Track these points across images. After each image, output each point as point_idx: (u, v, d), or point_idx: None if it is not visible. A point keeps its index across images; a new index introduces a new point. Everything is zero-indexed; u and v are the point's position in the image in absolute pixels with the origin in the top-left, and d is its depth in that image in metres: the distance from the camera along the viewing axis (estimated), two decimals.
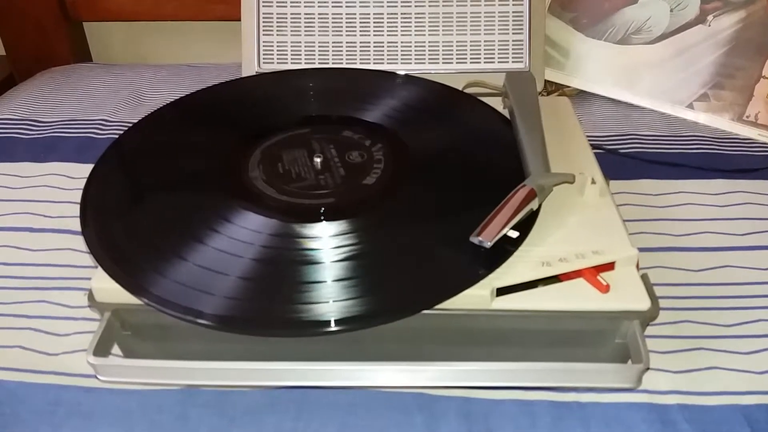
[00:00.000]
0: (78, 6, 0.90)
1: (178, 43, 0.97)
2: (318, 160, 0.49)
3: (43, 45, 0.92)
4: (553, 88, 0.77)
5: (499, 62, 0.69)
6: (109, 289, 0.40)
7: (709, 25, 0.72)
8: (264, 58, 0.70)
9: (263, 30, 0.70)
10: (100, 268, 0.41)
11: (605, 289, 0.40)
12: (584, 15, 0.75)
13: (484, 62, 0.69)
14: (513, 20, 0.69)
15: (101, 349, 0.39)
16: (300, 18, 0.70)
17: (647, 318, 0.40)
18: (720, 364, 0.45)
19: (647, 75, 0.74)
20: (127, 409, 0.42)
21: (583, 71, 0.76)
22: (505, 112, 0.55)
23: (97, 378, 0.40)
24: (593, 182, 0.46)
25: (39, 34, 0.91)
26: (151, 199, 0.47)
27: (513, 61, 0.69)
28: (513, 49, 0.69)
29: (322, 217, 0.44)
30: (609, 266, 0.42)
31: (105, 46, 0.98)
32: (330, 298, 0.39)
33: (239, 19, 0.70)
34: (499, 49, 0.69)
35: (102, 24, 0.96)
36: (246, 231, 0.43)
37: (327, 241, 0.43)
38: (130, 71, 0.85)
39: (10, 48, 0.93)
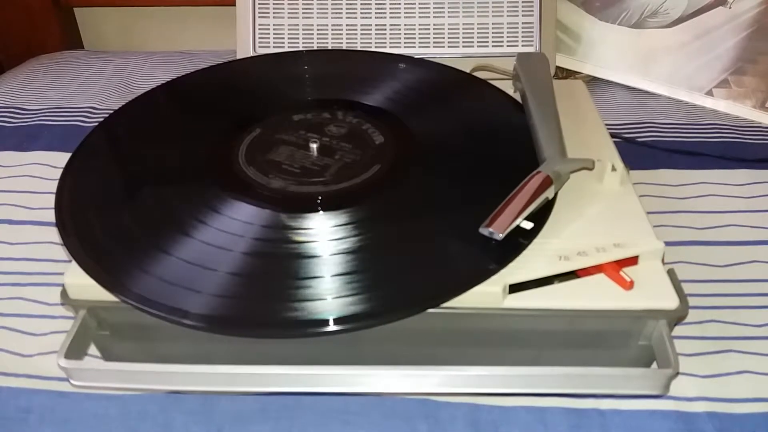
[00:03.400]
0: None
1: (172, 30, 0.93)
2: (314, 146, 0.46)
3: (32, 32, 0.89)
4: (564, 75, 0.73)
5: (508, 46, 0.65)
6: (84, 286, 0.37)
7: (730, 7, 0.68)
8: (260, 42, 0.66)
9: (259, 12, 0.66)
10: (74, 262, 0.37)
11: (629, 285, 0.37)
12: None
13: (492, 46, 0.65)
14: (523, 1, 0.65)
15: (75, 350, 0.36)
16: None
17: (675, 318, 0.37)
18: (751, 367, 0.42)
19: (664, 60, 0.71)
20: (106, 416, 0.39)
21: (596, 57, 0.72)
22: (517, 96, 0.52)
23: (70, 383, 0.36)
24: (613, 169, 0.43)
25: (28, 21, 0.88)
26: (133, 188, 0.43)
27: (523, 45, 0.65)
28: (523, 31, 0.65)
29: (319, 207, 0.41)
30: (632, 260, 0.39)
31: (97, 34, 0.95)
32: (328, 295, 0.36)
33: (234, 4, 0.67)
34: (508, 32, 0.65)
35: (94, 10, 0.93)
36: (236, 222, 0.40)
37: (324, 233, 0.39)
38: (121, 58, 0.82)
39: None
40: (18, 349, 0.43)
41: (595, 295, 0.37)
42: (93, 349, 0.40)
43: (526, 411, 0.40)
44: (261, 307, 0.36)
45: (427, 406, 0.40)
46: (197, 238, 0.39)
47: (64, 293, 0.37)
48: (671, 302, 0.36)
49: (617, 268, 0.38)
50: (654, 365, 0.39)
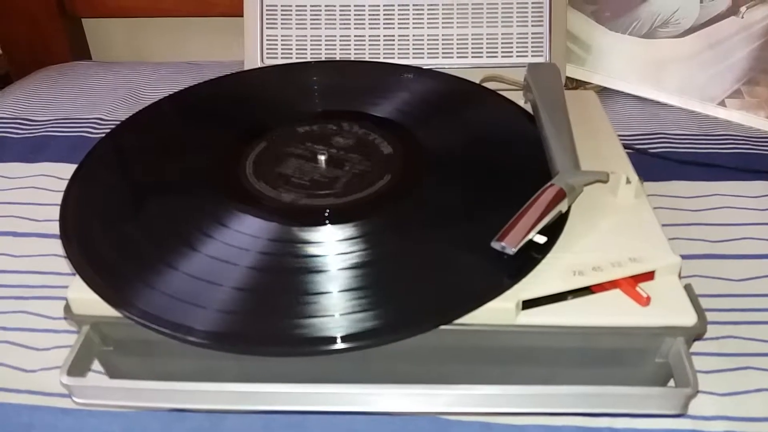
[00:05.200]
0: (75, 2, 0.86)
1: (180, 41, 0.93)
2: (323, 158, 0.45)
3: (40, 43, 0.89)
4: (573, 85, 0.73)
5: (517, 56, 0.64)
6: (88, 300, 0.36)
7: (742, 17, 0.67)
8: (267, 53, 0.66)
9: (267, 23, 0.66)
10: (77, 276, 0.36)
11: (645, 301, 0.36)
12: (607, 7, 0.71)
13: (502, 56, 0.64)
14: (532, 11, 0.65)
15: (78, 367, 0.35)
16: (306, 10, 0.66)
17: (693, 335, 0.36)
18: None
19: (675, 71, 0.70)
20: None
21: (606, 67, 0.71)
22: (528, 107, 0.51)
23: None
24: (628, 182, 0.42)
25: (35, 32, 0.88)
26: (138, 200, 0.43)
27: (532, 55, 0.64)
28: (532, 42, 0.64)
29: (327, 221, 0.40)
30: (648, 276, 0.38)
31: (104, 44, 0.95)
32: (336, 311, 0.35)
33: (242, 15, 0.66)
34: (517, 43, 0.64)
35: (101, 21, 0.93)
36: (242, 236, 0.39)
37: (332, 247, 0.38)
38: (129, 69, 0.82)
39: (6, 46, 0.90)
40: (21, 365, 0.43)
41: (610, 311, 0.36)
42: (97, 365, 0.40)
43: (538, 429, 0.38)
44: (267, 324, 0.35)
45: (438, 425, 0.39)
46: (203, 252, 0.38)
47: (67, 308, 0.37)
48: (689, 319, 0.35)
49: (633, 283, 0.37)
50: (671, 383, 0.38)
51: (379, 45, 0.65)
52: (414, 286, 0.36)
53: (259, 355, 0.35)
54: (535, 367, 0.38)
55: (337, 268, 0.37)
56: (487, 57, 0.65)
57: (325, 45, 0.65)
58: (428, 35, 0.65)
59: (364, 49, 0.65)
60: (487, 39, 0.65)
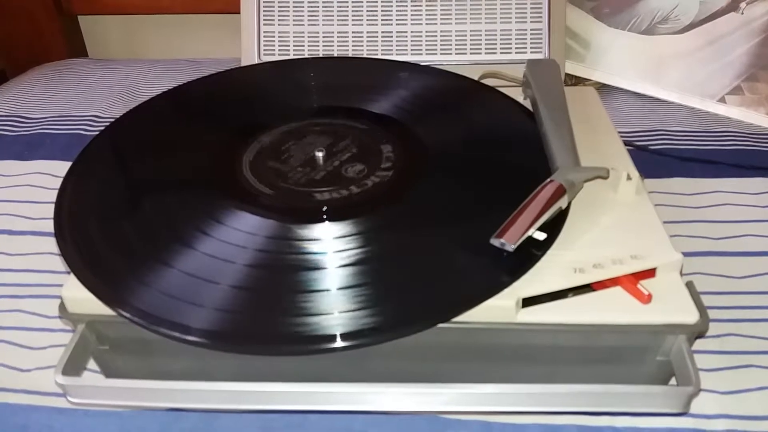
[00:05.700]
0: None
1: (177, 38, 0.93)
2: (320, 154, 0.45)
3: (36, 40, 0.88)
4: (573, 82, 0.72)
5: (516, 53, 0.64)
6: (83, 299, 0.35)
7: (742, 13, 0.67)
8: (265, 49, 0.65)
9: (264, 19, 0.66)
10: (72, 275, 0.36)
11: (647, 299, 0.35)
12: (606, 3, 0.70)
13: (501, 53, 0.64)
14: (531, 7, 0.64)
15: (73, 366, 0.35)
16: (303, 6, 0.65)
17: (695, 332, 0.35)
18: None
19: (675, 67, 0.69)
20: None
21: (605, 63, 0.71)
22: (527, 103, 0.51)
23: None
24: (628, 178, 0.41)
25: (32, 29, 0.87)
26: (133, 198, 0.42)
27: (531, 52, 0.64)
28: (531, 38, 0.64)
29: (325, 217, 0.40)
30: (649, 273, 0.37)
31: (101, 42, 0.95)
32: (334, 309, 0.34)
33: (239, 12, 0.66)
34: (516, 39, 0.64)
35: (98, 18, 0.93)
36: (239, 233, 0.39)
37: (330, 245, 0.38)
38: (125, 66, 0.81)
39: (3, 43, 0.89)
40: (16, 364, 0.42)
41: (611, 309, 0.35)
42: (93, 364, 0.39)
43: (539, 429, 0.38)
44: (265, 323, 0.35)
45: (437, 424, 0.38)
46: (199, 250, 0.38)
47: (62, 307, 0.36)
48: (691, 316, 0.35)
49: (634, 280, 0.36)
50: (673, 381, 0.37)
51: (377, 41, 0.65)
52: (413, 283, 0.36)
53: (257, 355, 0.35)
54: (535, 365, 0.37)
55: (336, 266, 0.37)
56: (486, 53, 0.64)
57: (323, 41, 0.65)
58: (426, 32, 0.65)
59: (362, 46, 0.65)
60: (486, 35, 0.64)
